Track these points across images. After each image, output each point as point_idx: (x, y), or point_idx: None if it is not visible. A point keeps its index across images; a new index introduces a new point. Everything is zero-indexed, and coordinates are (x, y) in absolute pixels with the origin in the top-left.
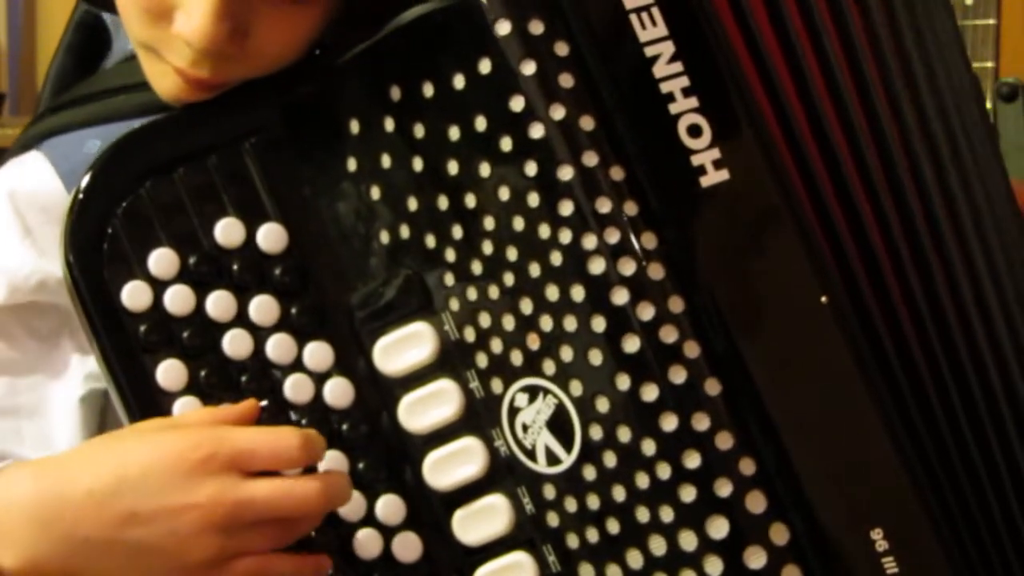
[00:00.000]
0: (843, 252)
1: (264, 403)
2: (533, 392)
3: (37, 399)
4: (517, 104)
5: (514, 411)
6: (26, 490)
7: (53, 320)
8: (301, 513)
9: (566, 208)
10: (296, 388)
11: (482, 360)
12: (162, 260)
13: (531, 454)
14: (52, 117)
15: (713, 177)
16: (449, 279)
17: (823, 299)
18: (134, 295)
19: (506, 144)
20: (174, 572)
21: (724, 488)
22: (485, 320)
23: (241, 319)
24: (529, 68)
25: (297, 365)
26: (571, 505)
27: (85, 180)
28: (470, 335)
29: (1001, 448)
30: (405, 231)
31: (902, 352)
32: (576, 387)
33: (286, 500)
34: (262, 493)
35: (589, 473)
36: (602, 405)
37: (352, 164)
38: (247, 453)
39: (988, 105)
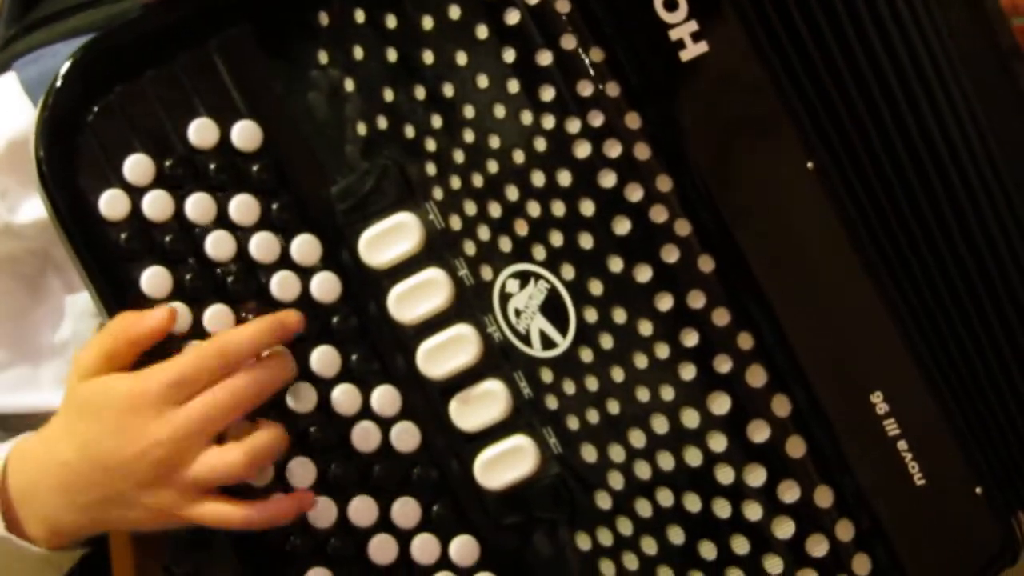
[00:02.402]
0: (819, 120)
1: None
2: (524, 278)
3: (44, 342)
4: None
5: (506, 297)
6: (29, 468)
7: (33, 263)
8: (244, 407)
9: (547, 93)
10: (283, 286)
11: (470, 248)
12: (137, 166)
13: (526, 339)
14: (24, 38)
15: (692, 50)
16: (431, 169)
17: (809, 165)
18: (111, 204)
19: (482, 32)
20: (153, 514)
21: (724, 364)
22: (471, 208)
23: (222, 220)
24: None
25: (282, 262)
26: (569, 388)
27: (53, 86)
28: (456, 223)
29: (993, 305)
30: (382, 122)
31: (883, 217)
32: (568, 271)
33: (219, 401)
34: (195, 410)
35: (586, 355)
36: (595, 288)
37: (323, 57)
38: (175, 382)
39: None
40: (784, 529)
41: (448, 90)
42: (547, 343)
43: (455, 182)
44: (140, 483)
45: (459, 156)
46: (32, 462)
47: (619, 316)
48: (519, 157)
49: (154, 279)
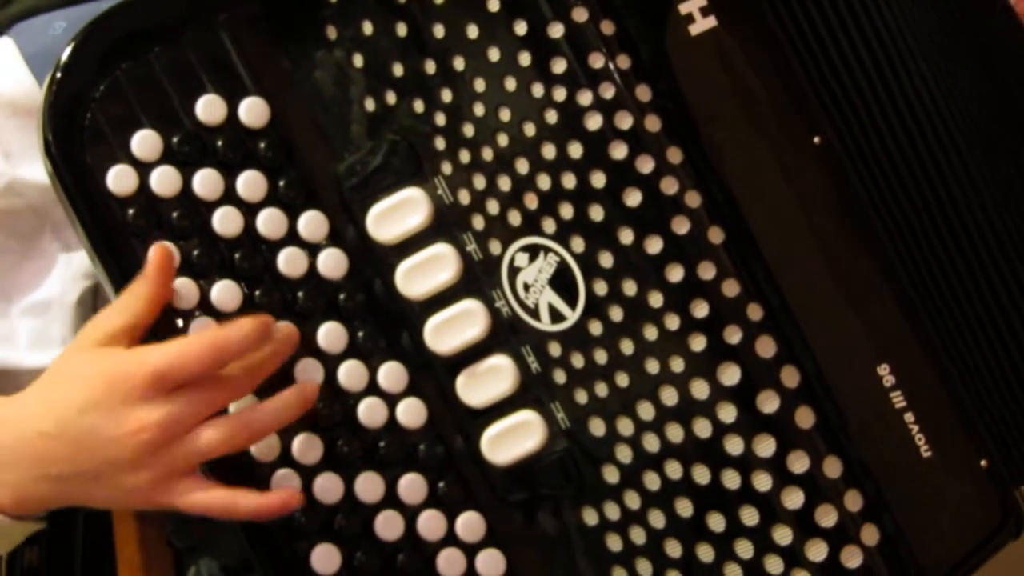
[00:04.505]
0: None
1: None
2: (533, 251)
3: (28, 299)
4: None
5: (514, 271)
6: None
7: (31, 220)
8: (235, 394)
9: (559, 66)
10: (290, 262)
11: (479, 222)
12: (145, 142)
13: (534, 313)
14: (18, 1)
15: (702, 24)
16: (440, 143)
17: (816, 140)
18: (119, 179)
19: (493, 5)
20: (129, 495)
21: (734, 335)
22: (480, 182)
23: (229, 196)
24: None
25: (290, 238)
26: (578, 361)
27: (60, 64)
28: (465, 198)
29: (985, 279)
30: (391, 97)
31: (883, 192)
32: (578, 244)
33: (205, 399)
34: (183, 404)
35: (595, 328)
36: (605, 260)
37: (332, 32)
38: (163, 373)
39: None
40: (793, 499)
41: (458, 64)
42: (556, 317)
43: (464, 156)
44: (118, 464)
45: (469, 130)
46: (7, 427)
47: (629, 288)
48: (530, 130)
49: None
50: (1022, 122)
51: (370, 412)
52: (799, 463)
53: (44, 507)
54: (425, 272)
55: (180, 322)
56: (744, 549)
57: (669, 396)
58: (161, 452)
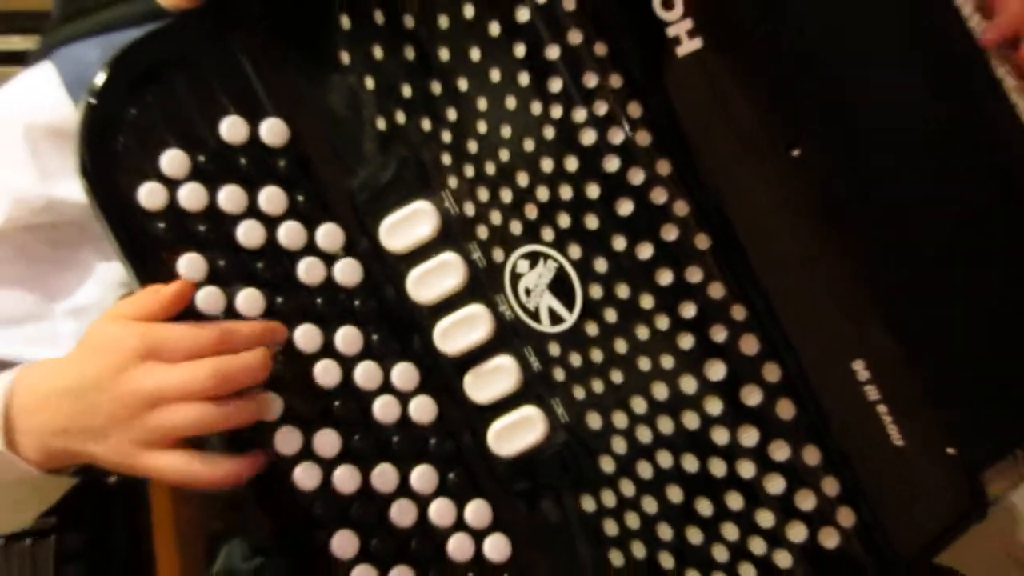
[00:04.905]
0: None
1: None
2: (533, 258)
3: (69, 303)
4: None
5: (516, 277)
6: (33, 391)
7: (72, 232)
8: (199, 390)
9: (555, 85)
10: (309, 271)
11: (483, 232)
12: (173, 161)
13: (535, 316)
14: (60, 28)
15: (688, 46)
16: (446, 159)
17: (794, 153)
18: (150, 195)
19: (494, 29)
20: (113, 452)
21: (719, 334)
22: (483, 194)
23: (252, 210)
24: None
25: (308, 249)
26: (576, 360)
27: (94, 90)
28: (470, 209)
29: (945, 280)
30: (400, 117)
31: (854, 201)
32: (575, 250)
33: (183, 378)
34: (158, 376)
35: (591, 329)
36: (600, 265)
37: (345, 57)
38: (155, 345)
39: None
40: (775, 485)
41: (463, 84)
42: (555, 319)
43: (469, 170)
44: (111, 422)
45: (473, 146)
46: (40, 383)
47: (622, 291)
48: (529, 145)
49: (190, 265)
50: (972, 131)
51: (384, 409)
52: (780, 452)
53: (65, 462)
54: (434, 279)
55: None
56: (730, 531)
57: (660, 391)
58: (144, 416)
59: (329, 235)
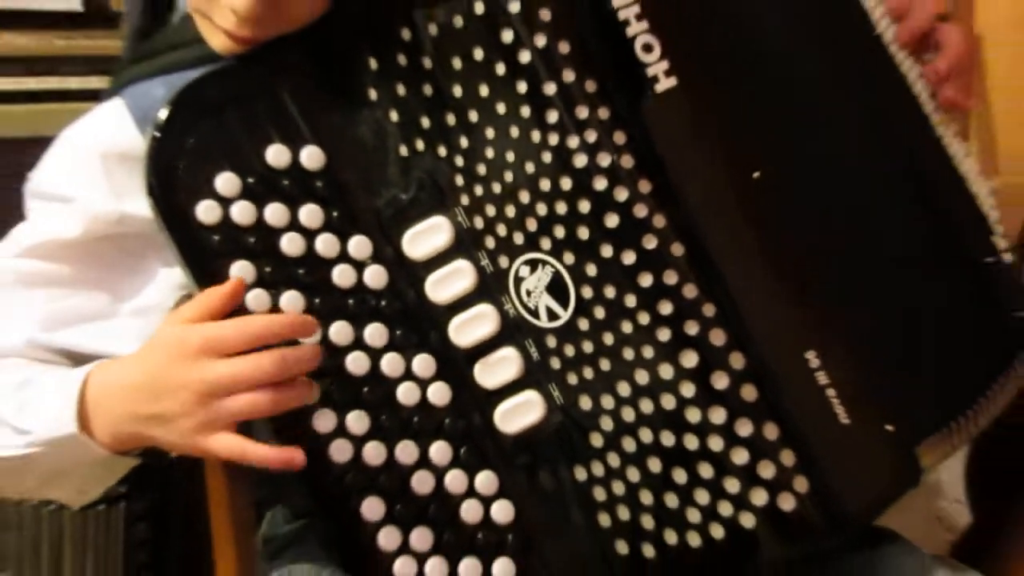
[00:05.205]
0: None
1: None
2: (533, 264)
3: (134, 303)
4: (507, 36)
5: (519, 280)
6: (105, 384)
7: (139, 241)
8: (260, 378)
9: (552, 116)
10: (342, 276)
11: (490, 242)
12: (226, 182)
13: (535, 313)
14: (129, 68)
15: (665, 84)
16: (459, 180)
17: (755, 175)
18: (207, 211)
19: (500, 69)
20: (178, 436)
21: (692, 327)
22: (491, 210)
23: (293, 224)
24: (515, 6)
25: (341, 258)
26: (569, 351)
27: (158, 124)
28: (479, 223)
29: (884, 282)
30: (420, 144)
31: (804, 216)
32: (569, 257)
33: (244, 370)
34: (222, 369)
35: (583, 324)
36: (591, 270)
37: (373, 94)
38: (214, 339)
39: None
40: (740, 457)
41: (473, 116)
42: (552, 316)
43: (478, 190)
44: (176, 410)
45: (482, 169)
46: (112, 378)
47: (609, 292)
48: (530, 168)
49: (241, 271)
50: (901, 158)
51: (406, 394)
52: (744, 428)
53: (132, 444)
54: (448, 282)
55: None
56: (702, 496)
57: (641, 377)
58: (206, 404)
59: (359, 245)
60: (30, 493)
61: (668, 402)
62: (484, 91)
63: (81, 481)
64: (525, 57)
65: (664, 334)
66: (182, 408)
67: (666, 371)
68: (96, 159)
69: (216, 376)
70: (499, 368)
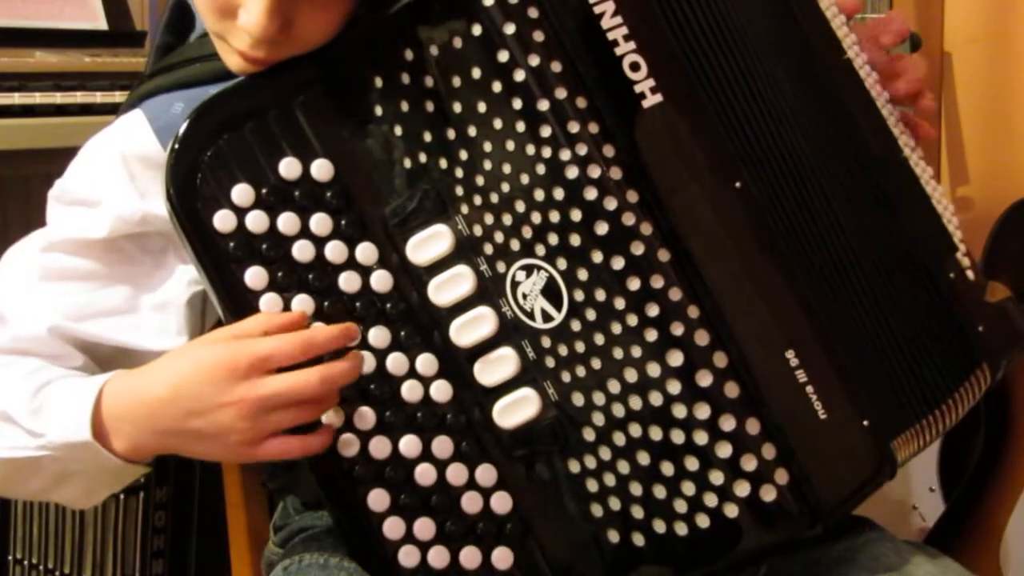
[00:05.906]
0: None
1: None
2: (529, 269)
3: (154, 298)
4: (503, 56)
5: (515, 284)
6: (123, 395)
7: (160, 240)
8: (310, 394)
9: (545, 131)
10: (349, 281)
11: (488, 249)
12: (242, 193)
13: (530, 315)
14: (149, 82)
15: (651, 100)
16: (459, 191)
17: (736, 184)
18: (223, 220)
19: (496, 87)
20: (225, 449)
21: (678, 328)
22: (489, 219)
23: (304, 233)
24: (510, 29)
25: (349, 263)
26: (563, 350)
27: (178, 137)
28: (478, 231)
29: (857, 284)
30: (423, 157)
31: (785, 222)
32: (562, 263)
33: (295, 386)
34: (276, 386)
35: (575, 326)
36: (582, 274)
37: (378, 110)
38: (264, 357)
39: None
40: (724, 450)
41: (472, 131)
42: (546, 318)
43: (477, 200)
44: (221, 426)
45: (480, 180)
46: (131, 391)
47: (600, 295)
48: (525, 179)
49: (255, 276)
50: (868, 173)
51: (410, 391)
52: (727, 423)
53: (150, 455)
54: (449, 286)
55: None
56: (688, 488)
57: (631, 375)
58: (256, 419)
59: (366, 252)
60: (35, 495)
61: (655, 399)
62: (482, 107)
63: (88, 486)
64: (520, 76)
65: (651, 334)
66: (232, 423)
67: (653, 369)
68: (118, 162)
69: (271, 392)
70: (497, 367)
